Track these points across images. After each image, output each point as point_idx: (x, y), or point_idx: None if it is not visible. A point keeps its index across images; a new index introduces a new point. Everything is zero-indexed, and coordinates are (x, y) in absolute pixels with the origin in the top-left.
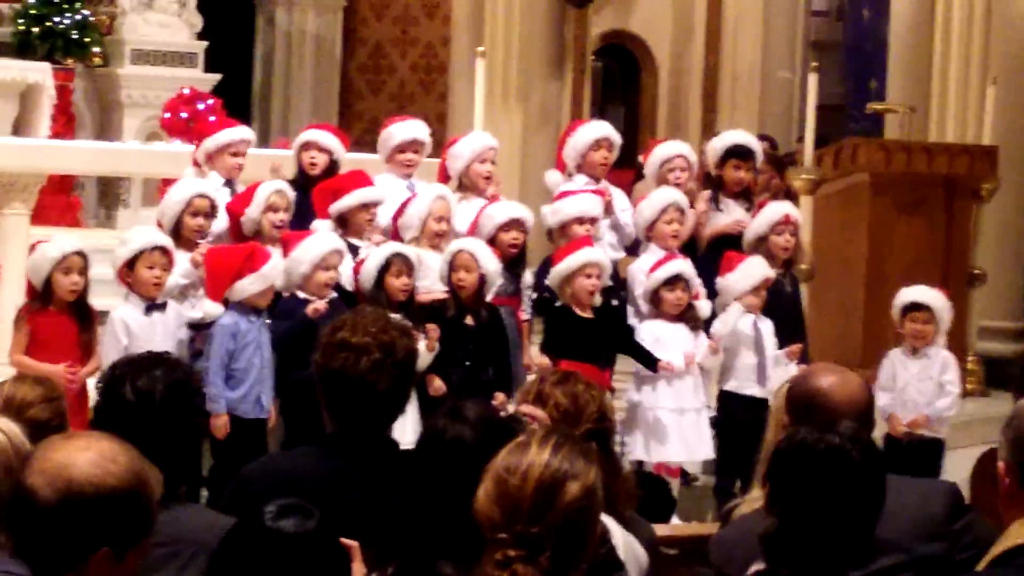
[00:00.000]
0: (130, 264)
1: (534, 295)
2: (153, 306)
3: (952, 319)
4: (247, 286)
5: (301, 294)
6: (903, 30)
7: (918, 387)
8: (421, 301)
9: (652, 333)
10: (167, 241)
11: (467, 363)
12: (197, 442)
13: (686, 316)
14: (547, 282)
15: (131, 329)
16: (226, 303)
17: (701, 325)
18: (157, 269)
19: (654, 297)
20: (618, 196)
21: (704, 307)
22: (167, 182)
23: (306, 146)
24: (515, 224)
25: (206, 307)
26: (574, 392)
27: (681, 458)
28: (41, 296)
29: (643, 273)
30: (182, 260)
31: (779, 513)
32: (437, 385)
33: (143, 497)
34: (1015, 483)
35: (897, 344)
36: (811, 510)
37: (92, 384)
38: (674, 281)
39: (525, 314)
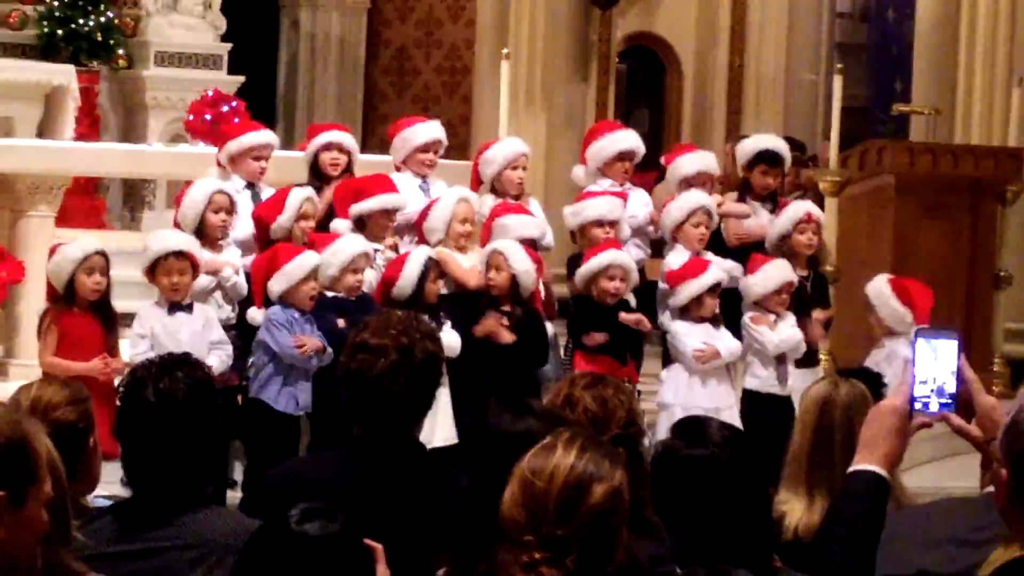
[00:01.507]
0: (152, 270)
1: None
2: (177, 307)
3: (976, 322)
4: (272, 287)
5: (330, 293)
6: (928, 31)
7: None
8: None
9: (683, 332)
10: (184, 244)
11: (501, 362)
12: (222, 443)
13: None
14: (576, 282)
15: (154, 327)
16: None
17: (722, 321)
18: (174, 275)
19: (691, 301)
20: (641, 204)
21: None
22: (190, 184)
23: (328, 147)
24: (528, 243)
25: (250, 313)
26: (603, 396)
27: None
28: (64, 297)
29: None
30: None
31: (673, 533)
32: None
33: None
34: (1012, 496)
35: None
36: (698, 525)
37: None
38: (715, 287)
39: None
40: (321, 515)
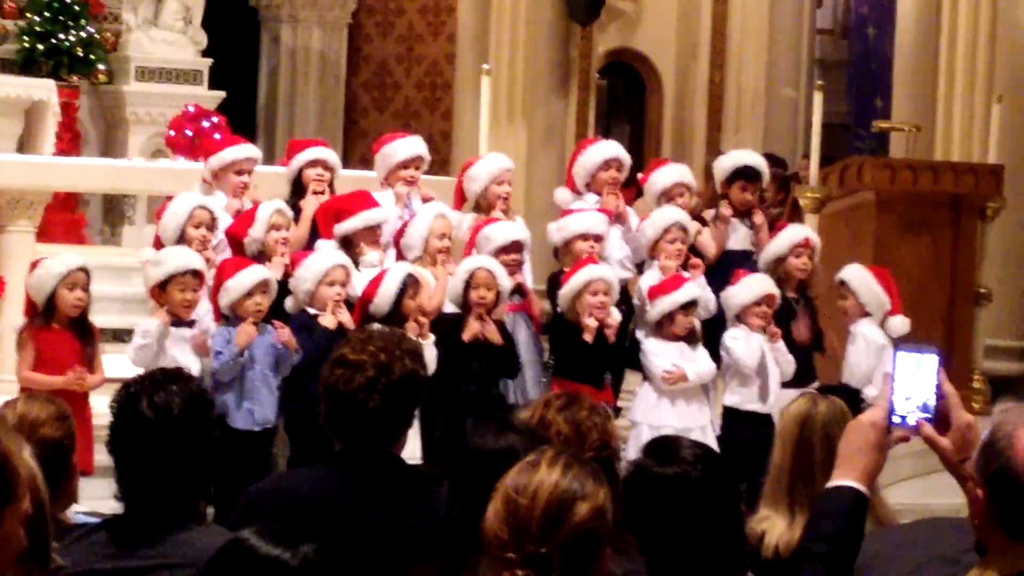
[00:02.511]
0: (162, 285)
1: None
2: (179, 323)
3: (956, 338)
4: (220, 301)
5: (311, 310)
6: (908, 48)
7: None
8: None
9: (653, 351)
10: (200, 264)
11: (478, 378)
12: (213, 458)
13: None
14: (557, 306)
15: (155, 344)
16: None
17: (700, 339)
18: (188, 292)
19: (664, 318)
20: (631, 215)
21: (697, 322)
22: (171, 199)
23: (313, 163)
24: (515, 247)
25: (207, 325)
26: (577, 419)
27: None
28: (43, 312)
29: (647, 290)
30: None
31: (646, 552)
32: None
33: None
34: (988, 517)
35: None
36: (670, 544)
37: (94, 400)
38: (689, 305)
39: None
40: (283, 534)
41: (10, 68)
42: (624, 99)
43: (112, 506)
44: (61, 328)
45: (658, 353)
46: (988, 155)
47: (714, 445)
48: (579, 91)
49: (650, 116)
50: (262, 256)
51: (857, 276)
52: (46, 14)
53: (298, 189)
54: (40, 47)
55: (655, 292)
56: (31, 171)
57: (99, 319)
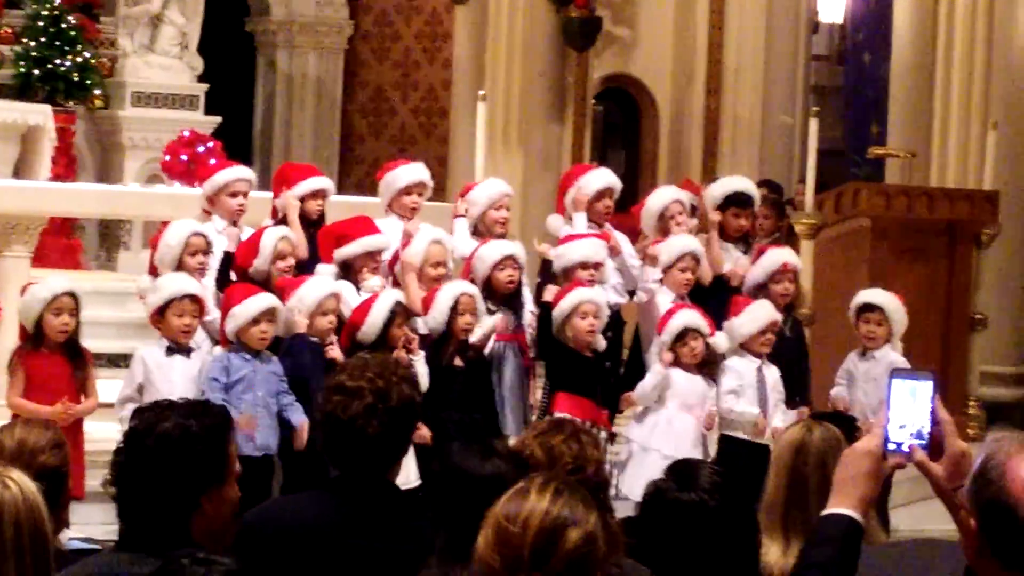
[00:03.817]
0: (160, 311)
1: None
2: (175, 349)
3: (951, 364)
4: (226, 327)
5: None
6: (904, 74)
7: (864, 388)
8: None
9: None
10: (197, 289)
11: (458, 404)
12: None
13: (705, 365)
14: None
15: (148, 368)
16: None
17: (713, 379)
18: (187, 317)
19: (672, 350)
20: (623, 240)
21: (720, 342)
22: (167, 225)
23: (315, 194)
24: (509, 261)
25: (216, 351)
26: (550, 443)
27: None
28: (33, 338)
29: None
30: None
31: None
32: (422, 434)
33: None
34: (982, 547)
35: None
36: (683, 569)
37: (88, 424)
38: (684, 334)
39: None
40: (209, 563)
41: (6, 93)
42: (620, 125)
43: (105, 531)
44: (51, 352)
45: (673, 384)
46: (984, 181)
47: None
48: (575, 117)
49: (646, 142)
50: (267, 285)
51: (891, 303)
52: (42, 39)
53: (303, 218)
54: (36, 72)
55: (660, 326)
56: (27, 196)
57: (95, 344)
